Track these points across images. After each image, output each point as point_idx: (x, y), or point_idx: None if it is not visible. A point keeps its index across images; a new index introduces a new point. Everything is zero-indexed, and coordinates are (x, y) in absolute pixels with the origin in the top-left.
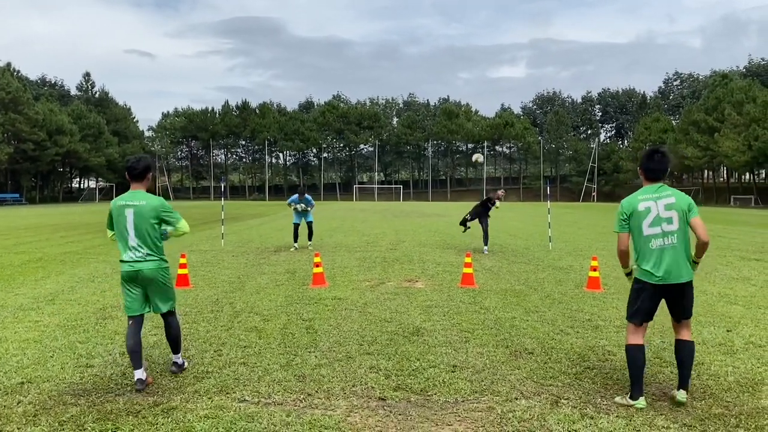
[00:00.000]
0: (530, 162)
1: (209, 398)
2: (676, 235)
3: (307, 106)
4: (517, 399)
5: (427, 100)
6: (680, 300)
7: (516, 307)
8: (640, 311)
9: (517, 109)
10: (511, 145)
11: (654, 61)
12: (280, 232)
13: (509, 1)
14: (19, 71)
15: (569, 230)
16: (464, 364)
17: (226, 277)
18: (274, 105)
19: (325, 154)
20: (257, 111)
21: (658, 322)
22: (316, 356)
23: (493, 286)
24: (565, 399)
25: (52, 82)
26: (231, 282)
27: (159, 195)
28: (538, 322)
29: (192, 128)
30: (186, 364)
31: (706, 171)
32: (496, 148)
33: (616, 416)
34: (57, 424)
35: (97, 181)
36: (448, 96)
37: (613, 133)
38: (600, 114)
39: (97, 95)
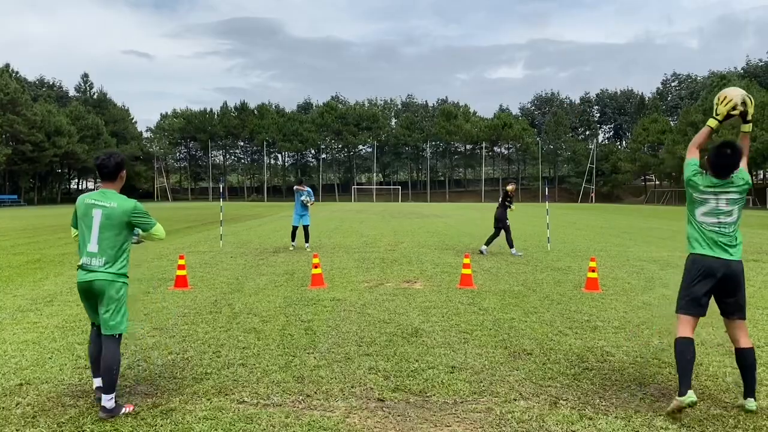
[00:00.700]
0: (529, 163)
1: (208, 399)
2: (732, 226)
3: (305, 107)
4: (515, 400)
5: (426, 101)
6: (735, 288)
7: (515, 308)
8: (693, 300)
9: (515, 110)
10: (510, 146)
11: (652, 61)
12: (278, 233)
13: (506, 1)
14: (17, 72)
15: (568, 231)
16: (463, 365)
17: (225, 279)
18: (273, 106)
19: (324, 155)
20: (256, 112)
21: (656, 323)
22: (314, 357)
23: (492, 287)
24: (564, 400)
25: (51, 83)
26: (230, 283)
27: (157, 196)
28: (537, 323)
29: (190, 129)
30: (122, 410)
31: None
32: (495, 149)
33: (615, 417)
34: (56, 425)
35: (95, 182)
36: (446, 97)
37: (611, 134)
38: (598, 115)
39: (95, 96)
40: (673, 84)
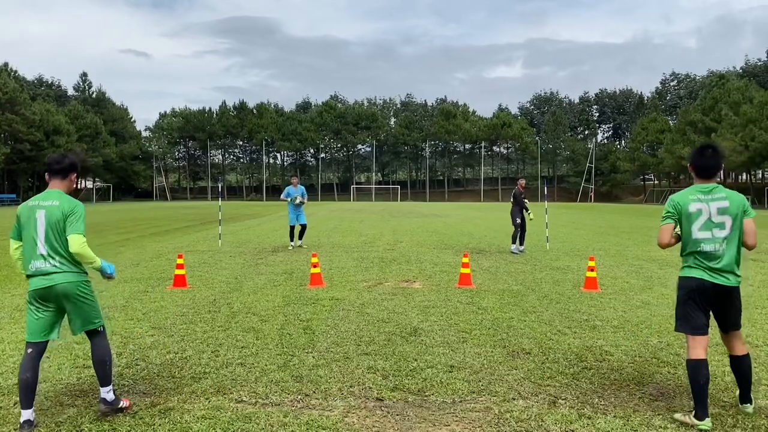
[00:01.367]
0: (528, 162)
1: (206, 399)
2: (727, 241)
3: (304, 106)
4: (514, 399)
5: (425, 100)
6: (729, 307)
7: (513, 308)
8: (691, 318)
9: (514, 110)
10: (509, 145)
11: (650, 61)
12: (277, 233)
13: (505, 1)
14: (16, 71)
15: (566, 230)
16: (462, 365)
17: (224, 278)
18: (272, 105)
19: (323, 155)
20: (255, 111)
21: (655, 322)
22: (313, 357)
23: (491, 287)
24: (563, 399)
25: (49, 82)
26: (228, 282)
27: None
28: (536, 323)
29: (189, 128)
30: (121, 403)
31: None
32: (494, 148)
33: (614, 416)
34: (54, 425)
35: (94, 182)
36: (445, 96)
37: (610, 133)
38: (597, 114)
39: (94, 95)
40: (672, 83)
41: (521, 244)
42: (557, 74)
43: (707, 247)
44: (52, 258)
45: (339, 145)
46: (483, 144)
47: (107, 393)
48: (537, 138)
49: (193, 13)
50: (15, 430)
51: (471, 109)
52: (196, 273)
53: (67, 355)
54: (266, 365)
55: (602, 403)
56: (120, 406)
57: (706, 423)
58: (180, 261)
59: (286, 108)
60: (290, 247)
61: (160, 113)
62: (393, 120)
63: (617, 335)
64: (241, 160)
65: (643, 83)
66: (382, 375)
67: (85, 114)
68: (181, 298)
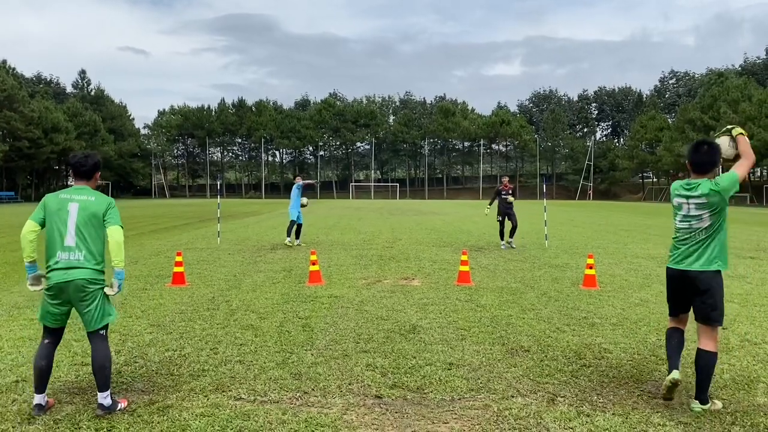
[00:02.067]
0: (526, 160)
1: (205, 396)
2: (703, 231)
3: (303, 103)
4: (513, 397)
5: (424, 98)
6: (700, 296)
7: (512, 305)
8: (669, 299)
9: (513, 107)
10: (508, 143)
11: (649, 59)
12: (276, 230)
13: None
14: (14, 69)
15: (565, 228)
16: (460, 362)
17: (223, 275)
18: (271, 103)
19: (322, 152)
20: (253, 109)
21: (653, 320)
22: (312, 354)
23: (490, 284)
24: (562, 397)
25: (48, 79)
26: (227, 280)
27: (154, 193)
28: (535, 320)
29: (188, 126)
30: (118, 406)
31: None
32: (493, 146)
33: (612, 414)
34: (52, 422)
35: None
36: (444, 94)
37: (609, 131)
38: (596, 112)
39: (92, 93)
40: (671, 81)
41: (510, 237)
42: (556, 72)
43: (683, 236)
44: (80, 251)
45: (338, 143)
46: (482, 142)
47: (105, 398)
48: (536, 136)
49: (191, 10)
50: (14, 427)
51: (470, 107)
52: (195, 270)
53: (66, 352)
54: (265, 363)
55: (601, 400)
56: (118, 408)
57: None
58: (179, 258)
59: (285, 106)
60: (287, 243)
61: (158, 111)
62: (392, 118)
63: (616, 333)
64: (240, 157)
65: (642, 81)
66: (380, 372)
67: (84, 111)
68: (180, 295)
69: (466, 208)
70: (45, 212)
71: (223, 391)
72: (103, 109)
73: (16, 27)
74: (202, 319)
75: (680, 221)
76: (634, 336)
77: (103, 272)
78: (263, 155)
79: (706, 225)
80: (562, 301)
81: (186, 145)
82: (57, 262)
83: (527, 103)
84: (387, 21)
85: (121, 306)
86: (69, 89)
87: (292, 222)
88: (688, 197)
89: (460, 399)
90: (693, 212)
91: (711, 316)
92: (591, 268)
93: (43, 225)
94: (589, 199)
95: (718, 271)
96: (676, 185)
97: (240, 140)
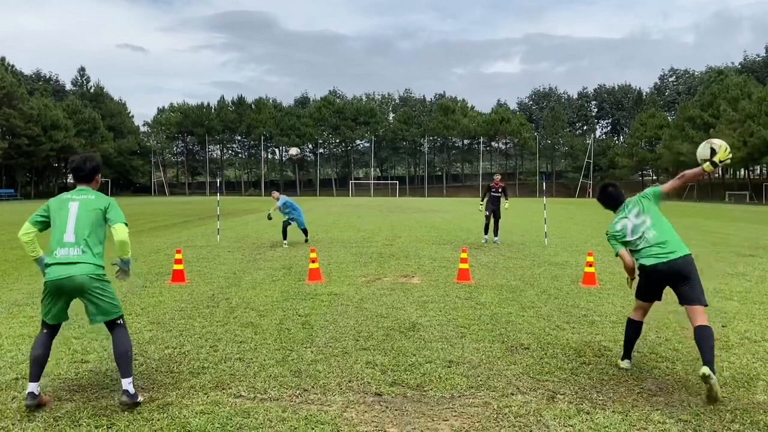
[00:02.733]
0: (526, 158)
1: (205, 394)
2: (652, 229)
3: (302, 101)
4: (513, 394)
5: (423, 95)
6: (675, 282)
7: (512, 303)
8: (649, 292)
9: (513, 105)
10: (507, 141)
11: (648, 56)
12: (275, 228)
13: None
14: (13, 66)
15: (565, 226)
16: (460, 360)
17: (222, 273)
18: (270, 100)
19: (321, 150)
20: (253, 106)
21: (652, 318)
22: (312, 352)
23: (489, 282)
24: (561, 394)
25: (47, 77)
26: (227, 277)
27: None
28: (534, 318)
29: (187, 123)
30: (140, 397)
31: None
32: (492, 144)
33: (612, 411)
34: (52, 419)
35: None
36: (444, 92)
37: (608, 129)
38: (596, 110)
39: (92, 90)
40: (670, 79)
41: (495, 235)
42: (555, 69)
43: (642, 243)
44: (78, 246)
45: (337, 141)
46: (481, 139)
47: (129, 384)
48: (535, 133)
49: (189, 7)
50: (13, 424)
51: (469, 105)
52: (195, 268)
53: (65, 350)
54: (265, 360)
55: (601, 398)
56: (138, 399)
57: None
58: (178, 256)
59: (284, 103)
60: (285, 246)
61: (158, 108)
62: (391, 115)
63: (616, 330)
64: (240, 155)
65: (641, 79)
66: (380, 370)
67: (83, 109)
68: (180, 293)
69: (466, 205)
70: (48, 213)
71: (222, 389)
72: (103, 107)
73: (15, 24)
74: (202, 316)
75: (632, 234)
76: None
77: (103, 267)
78: (263, 153)
79: (651, 223)
80: (561, 299)
81: (185, 143)
82: (56, 257)
83: (527, 100)
84: (386, 18)
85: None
86: (68, 86)
87: (283, 223)
88: (626, 215)
89: (460, 396)
90: (636, 221)
91: (696, 294)
92: (591, 265)
93: (41, 227)
94: (589, 196)
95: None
96: (611, 227)
97: (239, 138)
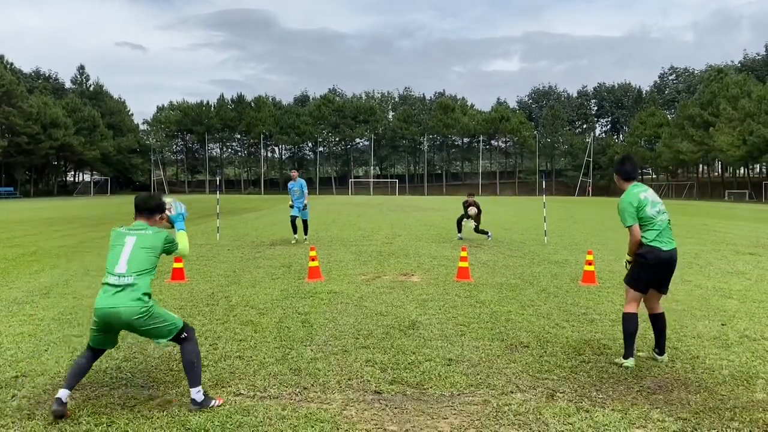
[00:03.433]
0: (526, 156)
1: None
2: (667, 214)
3: (302, 99)
4: (512, 392)
5: (423, 94)
6: (671, 274)
7: (511, 301)
8: (649, 281)
9: (512, 104)
10: (507, 139)
11: (648, 55)
12: (275, 226)
13: None
14: (12, 64)
15: (564, 224)
16: (460, 358)
17: (222, 271)
18: (270, 99)
19: (321, 148)
20: (252, 105)
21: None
22: (311, 350)
23: (489, 280)
24: (561, 392)
25: (47, 75)
26: (226, 276)
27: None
28: (534, 316)
29: (187, 122)
30: (212, 402)
31: (700, 165)
32: (492, 142)
33: (612, 409)
34: (52, 417)
35: (92, 175)
36: (443, 90)
37: (608, 127)
38: (596, 108)
39: (91, 88)
40: (670, 77)
41: (485, 234)
42: (555, 68)
43: (661, 218)
44: (126, 276)
45: (337, 139)
46: (481, 138)
47: (197, 393)
48: (535, 132)
49: (189, 6)
50: (13, 422)
51: (469, 103)
52: (194, 266)
53: (65, 348)
54: (264, 358)
55: (600, 396)
56: (211, 404)
57: (630, 361)
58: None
59: (284, 101)
60: (293, 242)
61: (157, 106)
62: (391, 114)
63: (615, 329)
64: (239, 153)
65: (641, 77)
66: (380, 368)
67: (83, 107)
68: (179, 291)
69: None
70: (111, 244)
71: (222, 387)
72: (102, 105)
73: (14, 22)
74: (202, 314)
75: (652, 208)
76: None
77: (149, 297)
78: (262, 151)
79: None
80: (561, 297)
81: (185, 141)
82: (107, 283)
83: (527, 99)
84: (386, 17)
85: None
86: (68, 84)
87: (292, 218)
88: (645, 190)
89: (459, 394)
90: (654, 198)
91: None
92: (590, 264)
93: None
94: (589, 195)
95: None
96: (631, 194)
97: (239, 136)
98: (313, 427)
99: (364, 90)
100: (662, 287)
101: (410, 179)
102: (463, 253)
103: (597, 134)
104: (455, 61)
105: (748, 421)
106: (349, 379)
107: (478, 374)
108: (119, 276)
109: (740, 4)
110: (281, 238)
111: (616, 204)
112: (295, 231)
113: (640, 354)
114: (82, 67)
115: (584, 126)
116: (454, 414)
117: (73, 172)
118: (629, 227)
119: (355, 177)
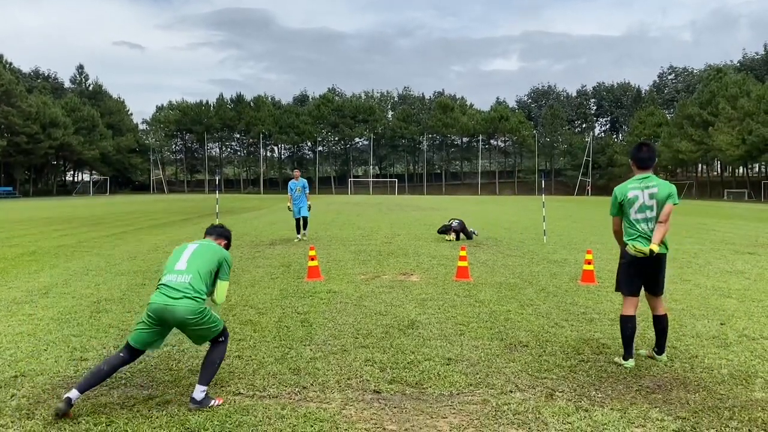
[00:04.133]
0: (525, 156)
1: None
2: (654, 220)
3: (301, 99)
4: (511, 392)
5: (422, 93)
6: (657, 274)
7: (511, 301)
8: (630, 282)
9: (512, 103)
10: (506, 138)
11: (647, 54)
12: (274, 226)
13: None
14: (11, 63)
15: (564, 224)
16: (459, 357)
17: None
18: (269, 98)
19: (320, 148)
20: (252, 104)
21: (650, 315)
22: (311, 349)
23: (488, 280)
24: (560, 392)
25: (46, 74)
26: None
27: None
28: (533, 315)
29: (186, 121)
30: (211, 402)
31: (700, 165)
32: (491, 141)
33: (611, 409)
34: (51, 417)
35: (91, 175)
36: (443, 90)
37: (607, 126)
38: (595, 108)
39: (90, 88)
40: (669, 77)
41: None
42: (554, 67)
43: (642, 226)
44: (188, 274)
45: (336, 138)
46: (480, 137)
47: (201, 392)
48: (534, 131)
49: (187, 5)
50: (12, 422)
51: (468, 103)
52: None
53: (64, 347)
54: (264, 358)
55: (599, 395)
56: (210, 404)
57: (630, 362)
58: None
59: (283, 101)
60: (296, 240)
61: (156, 106)
62: (390, 113)
63: (614, 328)
64: (239, 153)
65: (640, 77)
66: (379, 367)
67: (82, 107)
68: None
69: (465, 203)
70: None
71: (222, 386)
72: (101, 104)
73: (14, 21)
74: None
75: (636, 212)
76: None
77: (203, 300)
78: (262, 151)
79: (655, 214)
80: (560, 297)
81: (184, 141)
82: (167, 281)
83: (526, 98)
84: (385, 16)
85: (119, 301)
86: (67, 84)
87: (296, 220)
88: (643, 188)
89: (458, 394)
90: (648, 202)
91: (663, 287)
92: (589, 263)
93: None
94: (588, 194)
95: None
96: (623, 187)
97: (238, 136)
98: (312, 426)
99: (363, 89)
100: (652, 288)
101: (409, 179)
102: (463, 253)
103: (596, 134)
104: (455, 61)
105: (746, 420)
106: (348, 379)
107: (477, 373)
108: (178, 273)
109: (739, 3)
110: (280, 237)
111: None
112: (298, 231)
113: (640, 352)
114: (81, 67)
115: (583, 125)
116: (454, 413)
117: (72, 172)
118: (611, 216)
119: (355, 176)
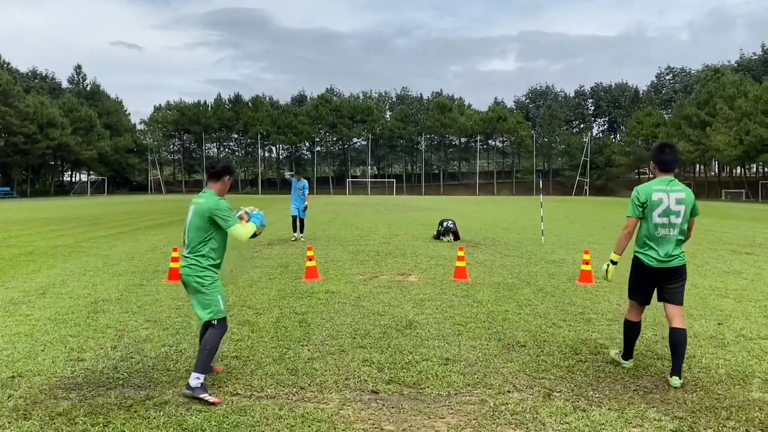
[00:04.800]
0: (523, 156)
1: None
2: (678, 227)
3: (299, 99)
4: (509, 392)
5: (420, 93)
6: (673, 284)
7: (508, 301)
8: (640, 291)
9: (510, 103)
10: (504, 139)
11: (645, 54)
12: (273, 226)
13: None
14: (9, 63)
15: (561, 224)
16: (457, 357)
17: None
18: (267, 98)
19: (318, 148)
20: (250, 104)
21: (649, 315)
22: (308, 349)
23: (486, 280)
24: (558, 392)
25: (43, 74)
26: (223, 276)
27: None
28: (531, 316)
29: (184, 122)
30: (206, 396)
31: (697, 165)
32: (489, 142)
33: (608, 409)
34: (48, 418)
35: (88, 175)
36: (441, 90)
37: (605, 127)
38: (593, 108)
39: (88, 88)
40: (667, 77)
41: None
42: (551, 67)
43: (663, 231)
44: (187, 247)
45: (334, 139)
46: (478, 138)
47: (195, 379)
48: (532, 132)
49: (185, 4)
50: (9, 423)
51: (466, 103)
52: None
53: (62, 348)
54: (261, 358)
55: (597, 395)
56: (201, 396)
57: (629, 362)
58: (175, 254)
59: (281, 101)
60: (292, 239)
61: (154, 106)
62: (388, 113)
63: (612, 328)
64: (237, 153)
65: (638, 77)
66: (377, 368)
67: (80, 107)
68: (176, 291)
69: (463, 204)
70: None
71: (219, 387)
72: (99, 105)
73: (12, 21)
74: None
75: (659, 216)
76: None
77: (206, 268)
78: (259, 151)
79: (681, 221)
80: (558, 297)
81: (182, 141)
82: (181, 256)
83: (524, 98)
84: (383, 16)
85: (117, 301)
86: (64, 84)
87: (293, 218)
88: (668, 191)
89: (456, 394)
90: (674, 207)
91: (682, 298)
92: (587, 263)
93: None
94: (586, 194)
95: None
96: (647, 187)
97: (236, 136)
98: (309, 426)
99: (361, 90)
100: (667, 297)
101: (407, 179)
102: (461, 253)
103: (594, 134)
104: (453, 61)
105: (744, 420)
106: (346, 379)
107: (475, 374)
108: (183, 247)
109: (736, 4)
110: (278, 237)
111: (612, 203)
112: (295, 230)
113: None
114: (79, 67)
115: (581, 126)
116: (451, 413)
117: (69, 172)
118: (627, 217)
119: (353, 177)
